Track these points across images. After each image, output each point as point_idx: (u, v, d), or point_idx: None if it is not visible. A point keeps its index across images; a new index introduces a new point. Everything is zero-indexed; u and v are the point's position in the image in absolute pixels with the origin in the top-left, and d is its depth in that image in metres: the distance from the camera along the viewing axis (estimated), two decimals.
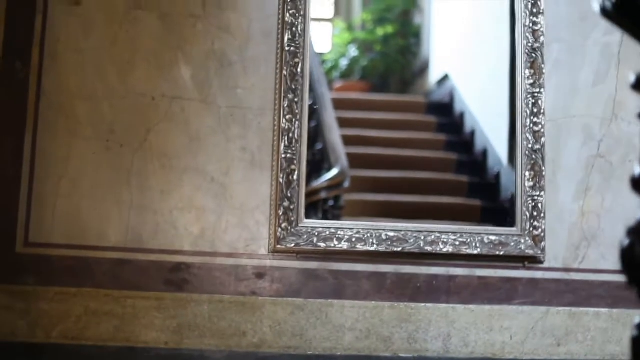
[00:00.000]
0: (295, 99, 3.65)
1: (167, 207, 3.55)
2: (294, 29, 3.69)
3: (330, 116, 4.55)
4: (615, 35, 3.92)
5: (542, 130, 3.77)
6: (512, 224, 4.75)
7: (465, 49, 6.03)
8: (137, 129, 3.58)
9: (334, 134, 4.70)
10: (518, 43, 3.85)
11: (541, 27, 3.83)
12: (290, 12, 3.70)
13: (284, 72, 3.65)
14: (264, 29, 3.70)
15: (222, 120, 3.62)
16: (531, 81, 3.81)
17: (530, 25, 3.83)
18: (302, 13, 3.71)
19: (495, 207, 5.05)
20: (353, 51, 7.30)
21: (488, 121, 5.58)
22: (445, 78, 6.30)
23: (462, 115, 5.88)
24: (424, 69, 7.09)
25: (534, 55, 3.82)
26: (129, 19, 3.63)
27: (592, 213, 3.81)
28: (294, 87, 3.65)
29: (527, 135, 3.78)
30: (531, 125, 3.78)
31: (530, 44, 3.82)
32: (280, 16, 3.70)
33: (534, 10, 3.84)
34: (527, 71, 3.82)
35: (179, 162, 3.58)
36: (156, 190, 3.55)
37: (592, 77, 3.90)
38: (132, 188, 3.54)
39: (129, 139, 3.57)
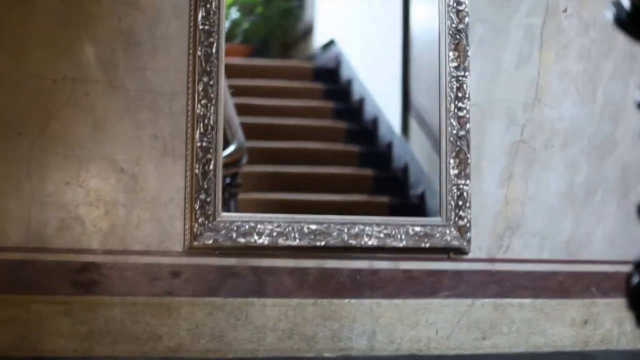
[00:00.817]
0: (211, 82, 3.38)
1: (73, 200, 3.24)
2: (208, 5, 3.40)
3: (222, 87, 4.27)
4: (538, 16, 3.80)
5: (467, 116, 3.63)
6: (404, 194, 4.68)
7: (353, 14, 5.85)
8: (37, 115, 3.24)
9: (229, 107, 4.45)
10: (441, 23, 3.67)
11: (466, 7, 3.67)
12: None
13: (198, 53, 3.37)
14: (175, 4, 3.40)
15: (131, 105, 3.32)
16: (455, 64, 3.65)
17: (454, 4, 3.66)
18: None
19: (388, 176, 4.95)
20: (234, 13, 7.01)
21: (379, 89, 5.47)
22: (331, 43, 6.10)
23: (349, 82, 5.73)
24: (307, 32, 6.87)
25: (458, 36, 3.66)
26: None
27: (516, 201, 3.71)
28: (209, 69, 3.38)
29: (452, 120, 3.63)
30: (455, 110, 3.63)
31: (454, 25, 3.66)
32: None
33: None
34: (451, 53, 3.66)
35: (83, 151, 3.26)
36: (60, 182, 3.23)
37: (515, 60, 3.77)
38: (32, 180, 3.21)
39: (27, 126, 3.23)
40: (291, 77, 5.61)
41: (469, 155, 3.62)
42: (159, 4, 3.38)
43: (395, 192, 4.78)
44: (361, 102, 5.53)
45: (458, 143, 3.62)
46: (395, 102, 5.29)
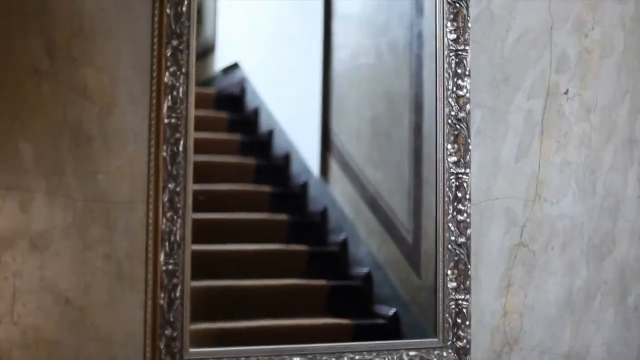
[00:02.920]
0: (177, 189, 2.75)
1: (5, 342, 2.55)
2: (174, 92, 2.76)
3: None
4: (539, 99, 3.34)
5: (468, 220, 3.13)
6: (323, 241, 4.25)
7: (261, 35, 5.26)
8: None
9: None
10: (439, 110, 3.15)
11: (467, 93, 3.16)
12: (170, 69, 2.76)
13: (163, 153, 2.73)
14: (133, 91, 2.74)
15: (78, 219, 2.65)
16: (454, 158, 3.15)
17: (454, 89, 3.15)
18: (184, 71, 2.79)
19: (304, 221, 4.44)
20: None
21: (291, 122, 4.94)
22: (235, 66, 5.46)
23: (256, 112, 5.15)
24: (207, 52, 6.17)
25: (458, 127, 3.15)
26: None
27: (515, 312, 3.26)
28: (175, 172, 2.75)
29: (450, 225, 3.13)
30: (454, 213, 3.13)
31: (454, 113, 3.15)
32: (155, 75, 2.76)
33: (459, 71, 3.15)
34: (449, 146, 3.15)
35: (20, 280, 2.58)
36: None
37: (515, 151, 3.31)
38: None
39: None
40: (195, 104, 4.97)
41: (469, 266, 3.13)
42: (112, 90, 2.71)
43: (313, 238, 4.29)
44: (270, 134, 4.99)
45: (457, 252, 3.12)
46: (313, 138, 4.78)
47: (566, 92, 3.39)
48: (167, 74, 2.74)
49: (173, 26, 2.77)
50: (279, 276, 3.80)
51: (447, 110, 3.14)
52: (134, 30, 2.74)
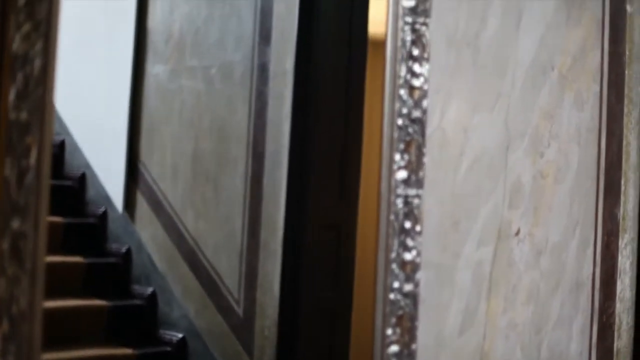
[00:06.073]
0: None
1: None
2: None
3: None
4: (489, 246, 2.56)
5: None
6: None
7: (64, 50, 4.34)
8: None
9: None
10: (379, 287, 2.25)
11: (418, 256, 2.28)
12: None
13: None
14: None
15: None
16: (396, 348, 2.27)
17: (402, 253, 2.26)
18: None
19: (101, 263, 3.89)
20: None
21: (91, 139, 4.26)
22: None
23: None
24: None
25: (403, 303, 2.26)
26: None
27: None
28: None
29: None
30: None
31: (397, 287, 2.26)
32: None
33: (407, 226, 2.26)
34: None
35: None
36: None
37: (460, 321, 2.52)
38: None
39: None
40: None
41: None
42: None
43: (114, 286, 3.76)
44: (61, 146, 4.28)
45: None
46: (117, 165, 4.07)
47: (517, 233, 2.65)
48: None
49: None
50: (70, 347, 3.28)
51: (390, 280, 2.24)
52: None
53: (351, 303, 3.27)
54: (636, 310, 3.05)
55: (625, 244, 3.00)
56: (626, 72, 2.96)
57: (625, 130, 2.97)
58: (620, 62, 2.94)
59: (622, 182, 2.99)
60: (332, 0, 3.32)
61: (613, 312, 2.97)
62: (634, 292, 3.05)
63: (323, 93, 3.27)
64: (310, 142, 3.26)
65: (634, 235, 3.04)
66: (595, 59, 2.89)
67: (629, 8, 2.96)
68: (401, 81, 2.20)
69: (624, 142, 2.97)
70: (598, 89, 2.89)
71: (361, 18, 3.15)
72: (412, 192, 2.24)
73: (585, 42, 2.85)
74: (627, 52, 2.96)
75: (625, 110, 2.97)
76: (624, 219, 2.98)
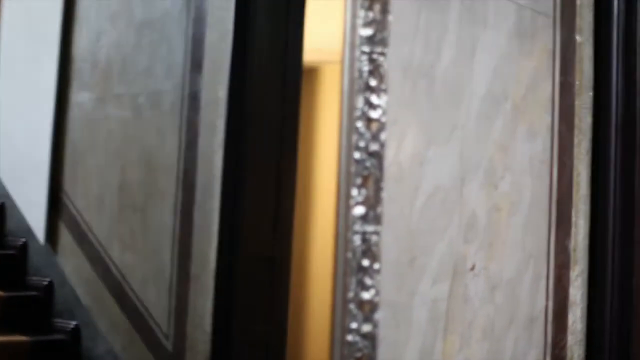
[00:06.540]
0: None
1: None
2: None
3: None
4: (444, 282, 2.49)
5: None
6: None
7: None
8: None
9: None
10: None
11: (376, 295, 2.19)
12: None
13: None
14: None
15: None
16: None
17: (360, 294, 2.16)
18: None
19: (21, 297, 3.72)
20: None
21: (11, 168, 4.09)
22: None
23: None
24: None
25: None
26: None
27: None
28: None
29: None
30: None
31: (355, 326, 2.16)
32: None
33: (364, 265, 2.16)
34: None
35: None
36: None
37: (417, 359, 2.44)
38: None
39: None
40: None
41: None
42: None
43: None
44: None
45: None
46: (39, 195, 3.89)
47: (472, 268, 2.58)
48: None
49: None
50: None
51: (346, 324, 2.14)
52: None
53: (285, 335, 3.17)
54: (587, 342, 3.02)
55: (576, 276, 2.96)
56: (576, 102, 2.93)
57: (575, 161, 2.94)
58: (570, 92, 2.91)
59: (573, 213, 2.95)
60: (266, 28, 3.22)
61: (565, 345, 2.93)
62: (584, 324, 3.01)
63: (257, 123, 3.17)
64: (243, 173, 3.16)
65: (584, 266, 3.00)
66: (546, 89, 2.85)
67: (578, 38, 2.93)
68: (358, 113, 2.12)
69: (575, 173, 2.93)
70: (550, 119, 2.86)
71: (296, 46, 3.09)
72: (370, 228, 2.15)
73: (537, 72, 2.81)
74: (577, 82, 2.93)
75: (576, 140, 2.94)
76: (574, 250, 2.94)
